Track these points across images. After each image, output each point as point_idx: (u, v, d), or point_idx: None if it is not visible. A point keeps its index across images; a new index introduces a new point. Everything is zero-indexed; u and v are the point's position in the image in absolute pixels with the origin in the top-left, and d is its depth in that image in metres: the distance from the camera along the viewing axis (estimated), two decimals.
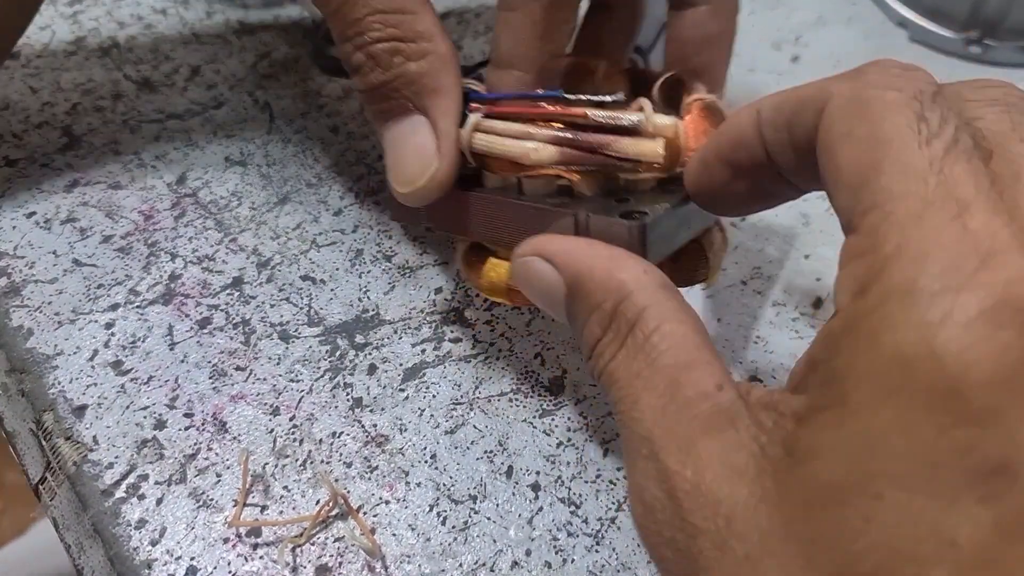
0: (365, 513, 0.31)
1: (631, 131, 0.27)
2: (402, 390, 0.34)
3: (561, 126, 0.28)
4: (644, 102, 0.28)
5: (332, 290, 0.37)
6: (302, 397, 0.34)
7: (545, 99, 0.28)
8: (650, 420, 0.20)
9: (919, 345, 0.16)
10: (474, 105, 0.30)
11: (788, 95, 0.23)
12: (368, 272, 0.37)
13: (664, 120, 0.28)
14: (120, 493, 0.31)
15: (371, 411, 0.34)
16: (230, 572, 0.30)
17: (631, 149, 0.27)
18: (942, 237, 0.17)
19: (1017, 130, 0.20)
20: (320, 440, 0.33)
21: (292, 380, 0.34)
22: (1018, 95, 0.21)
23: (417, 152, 0.30)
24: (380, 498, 0.32)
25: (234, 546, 0.30)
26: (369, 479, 0.32)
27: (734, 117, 0.25)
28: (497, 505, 0.31)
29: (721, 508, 0.18)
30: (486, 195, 0.30)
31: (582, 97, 0.28)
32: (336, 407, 0.34)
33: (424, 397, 0.34)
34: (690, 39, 0.34)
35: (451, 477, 0.32)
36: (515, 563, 0.30)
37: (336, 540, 0.31)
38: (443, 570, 0.30)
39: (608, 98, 0.28)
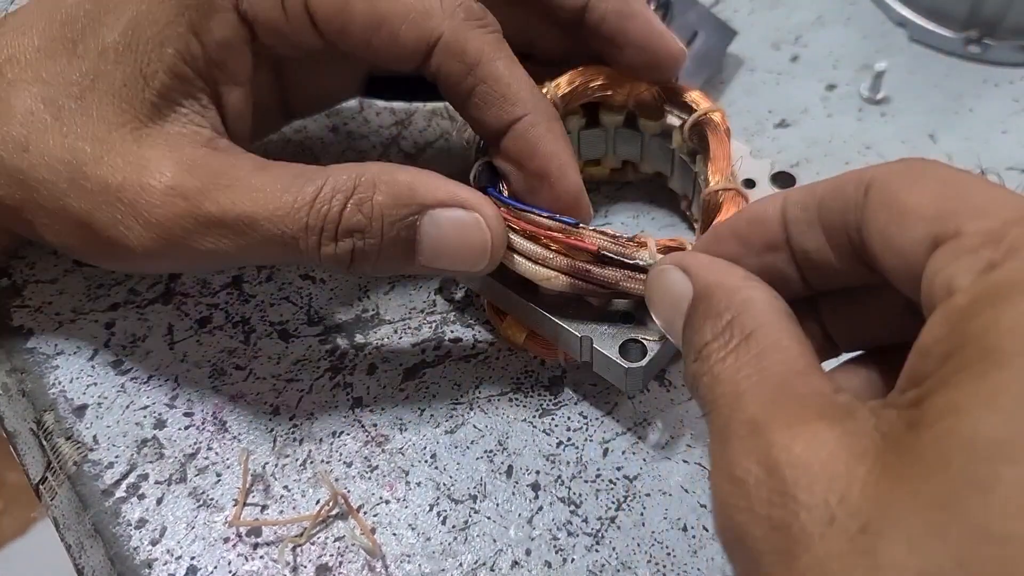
0: (365, 513, 0.31)
1: (640, 268, 0.29)
2: (402, 390, 0.34)
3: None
4: (649, 240, 0.30)
5: (332, 290, 0.37)
6: (302, 396, 0.34)
7: (563, 224, 0.30)
8: (756, 406, 0.20)
9: None
10: (492, 201, 0.31)
11: (820, 183, 0.24)
12: None
13: None
14: (120, 493, 0.32)
15: (371, 411, 0.34)
16: (230, 572, 0.30)
17: (636, 289, 0.29)
18: None
19: None
20: (320, 439, 0.33)
21: (292, 379, 0.34)
22: None
23: (463, 235, 0.29)
24: (380, 498, 0.32)
25: (234, 545, 0.30)
26: (369, 479, 0.32)
27: (759, 200, 0.26)
28: (497, 505, 0.31)
29: (835, 484, 0.18)
30: (509, 290, 0.32)
31: (594, 232, 0.30)
32: (336, 407, 0.34)
33: (424, 397, 0.34)
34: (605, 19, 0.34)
35: (451, 477, 0.32)
36: (515, 562, 0.30)
37: (336, 540, 0.31)
38: (443, 569, 0.30)
39: (619, 233, 0.30)
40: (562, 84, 0.34)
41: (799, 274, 0.25)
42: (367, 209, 0.28)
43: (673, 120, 0.35)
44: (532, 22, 0.35)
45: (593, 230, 0.30)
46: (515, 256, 0.30)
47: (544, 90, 0.34)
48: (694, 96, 0.35)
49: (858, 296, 0.25)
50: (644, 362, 0.29)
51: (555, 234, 0.29)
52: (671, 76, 0.35)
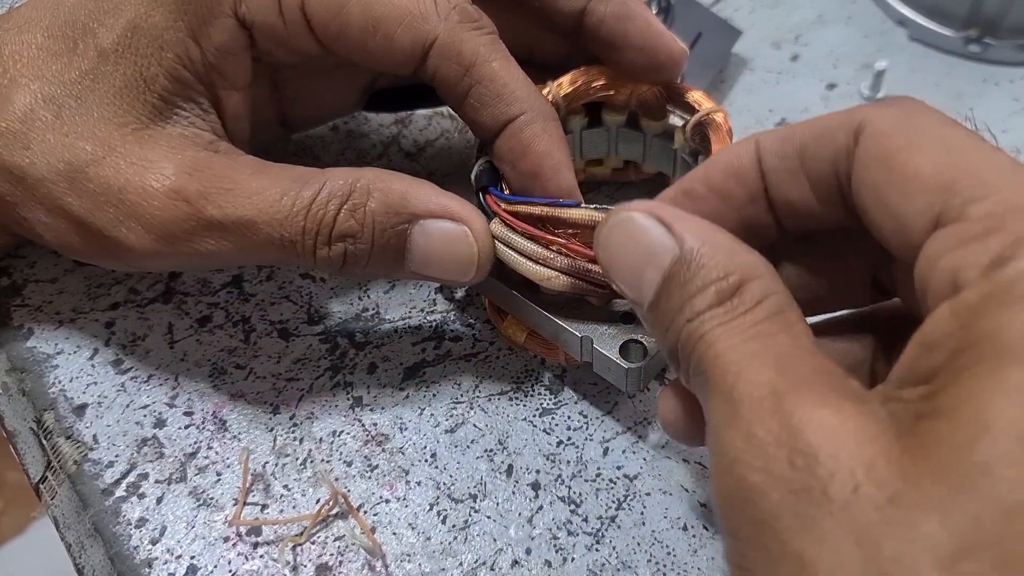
0: (365, 512, 0.31)
1: None
2: (402, 389, 0.34)
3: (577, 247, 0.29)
4: None
5: (332, 288, 0.37)
6: (302, 395, 0.34)
7: (565, 207, 0.30)
8: (773, 372, 0.20)
9: None
10: (492, 201, 0.31)
11: (797, 126, 0.23)
12: None
13: None
14: (120, 492, 0.32)
15: (371, 410, 0.34)
16: (230, 571, 0.30)
17: None
18: None
19: None
20: (320, 439, 0.33)
21: (292, 378, 0.34)
22: None
23: (450, 246, 0.29)
24: (380, 497, 0.32)
25: (234, 545, 0.30)
26: (369, 478, 0.32)
27: (729, 149, 0.25)
28: (497, 504, 0.31)
29: (861, 453, 0.18)
30: (509, 290, 0.32)
31: (594, 210, 0.29)
32: (336, 406, 0.34)
33: (424, 396, 0.34)
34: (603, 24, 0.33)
35: (451, 476, 0.32)
36: (515, 562, 0.30)
37: (336, 539, 0.31)
38: (443, 569, 0.30)
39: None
40: (564, 84, 0.34)
41: (775, 221, 0.24)
42: (360, 215, 0.29)
43: (675, 120, 0.35)
44: (530, 27, 0.35)
45: (593, 209, 0.29)
46: (515, 256, 0.30)
47: (546, 90, 0.34)
48: (696, 96, 0.34)
49: (825, 252, 0.25)
50: (644, 362, 0.29)
51: (555, 238, 0.29)
52: (673, 77, 0.35)
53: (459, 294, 0.37)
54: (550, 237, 0.29)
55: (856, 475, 0.18)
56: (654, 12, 0.41)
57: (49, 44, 0.30)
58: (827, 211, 0.23)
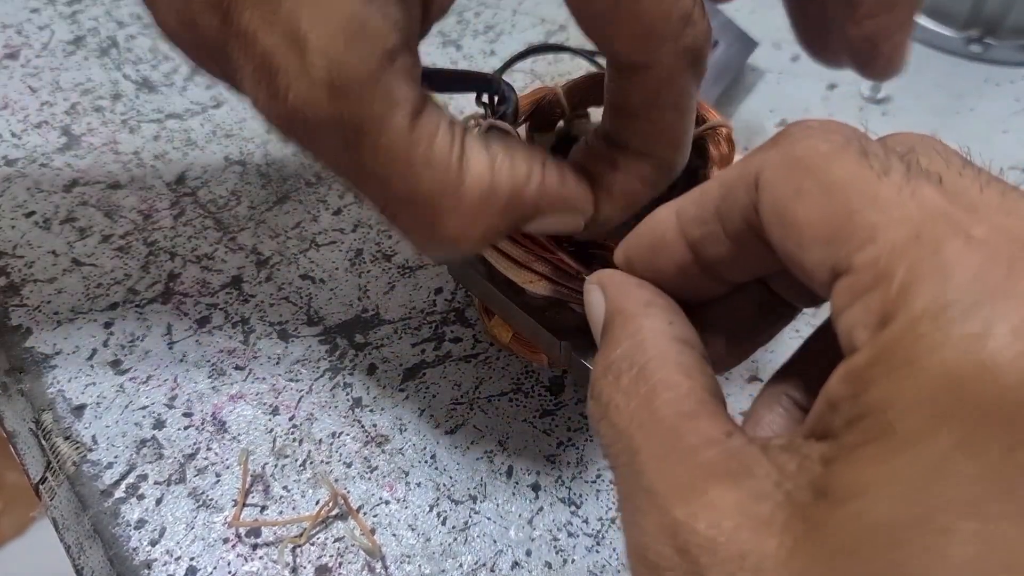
0: (365, 513, 0.31)
1: None
2: (402, 390, 0.34)
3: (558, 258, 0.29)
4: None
5: (331, 289, 0.37)
6: (302, 397, 0.34)
7: (547, 246, 0.29)
8: (652, 470, 0.19)
9: (967, 361, 0.15)
10: None
11: (706, 187, 0.23)
12: (368, 272, 0.37)
13: None
14: (119, 493, 0.31)
15: (371, 411, 0.34)
16: (230, 572, 0.30)
17: None
18: (953, 252, 0.17)
19: (946, 158, 0.19)
20: (320, 440, 0.33)
21: (291, 380, 0.34)
22: (921, 136, 0.21)
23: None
24: (380, 498, 0.31)
25: (234, 546, 0.30)
26: (369, 479, 0.32)
27: (648, 223, 0.24)
28: (497, 505, 0.31)
29: (746, 562, 0.17)
30: (495, 289, 0.31)
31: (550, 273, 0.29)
32: (336, 407, 0.34)
33: (424, 397, 0.34)
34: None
35: (451, 477, 0.32)
36: (515, 563, 0.30)
37: (336, 540, 0.30)
38: (443, 570, 0.30)
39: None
40: (580, 84, 0.34)
41: (721, 278, 0.23)
42: None
43: None
44: None
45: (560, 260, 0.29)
46: (501, 257, 0.30)
47: (552, 87, 0.34)
48: (702, 110, 0.34)
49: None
50: None
51: (538, 248, 0.29)
52: (884, 65, 0.33)
53: (457, 297, 0.37)
54: (534, 247, 0.29)
55: None
56: None
57: None
58: (766, 258, 0.22)
